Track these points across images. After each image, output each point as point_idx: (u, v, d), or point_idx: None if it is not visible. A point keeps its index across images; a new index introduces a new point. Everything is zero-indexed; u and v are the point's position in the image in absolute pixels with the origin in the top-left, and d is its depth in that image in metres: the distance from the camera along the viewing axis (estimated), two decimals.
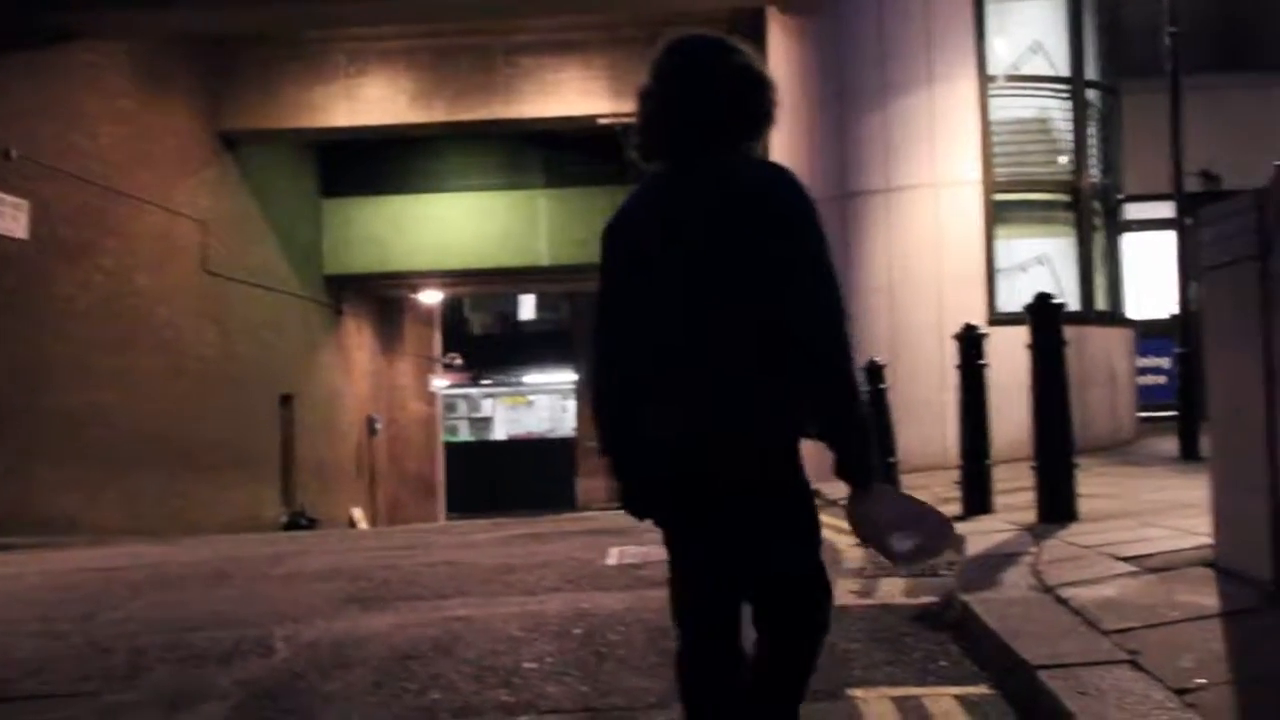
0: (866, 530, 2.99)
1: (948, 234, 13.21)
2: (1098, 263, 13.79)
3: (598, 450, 3.16)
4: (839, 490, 2.99)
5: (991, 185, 13.23)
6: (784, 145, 13.90)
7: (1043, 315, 7.12)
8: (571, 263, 24.13)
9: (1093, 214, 13.75)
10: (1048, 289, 7.50)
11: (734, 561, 2.99)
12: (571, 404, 40.40)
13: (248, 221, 21.17)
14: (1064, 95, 13.57)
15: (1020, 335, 7.24)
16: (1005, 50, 13.62)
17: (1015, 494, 7.93)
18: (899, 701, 4.35)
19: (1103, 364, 13.54)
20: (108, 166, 16.54)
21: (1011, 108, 13.52)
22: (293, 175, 23.79)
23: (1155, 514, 6.96)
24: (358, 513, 25.90)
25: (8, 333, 14.43)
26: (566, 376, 40.58)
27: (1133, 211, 15.08)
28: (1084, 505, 7.23)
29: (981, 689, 4.42)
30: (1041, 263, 13.46)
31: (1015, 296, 11.90)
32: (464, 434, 42.72)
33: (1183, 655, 4.00)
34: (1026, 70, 13.62)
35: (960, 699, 4.33)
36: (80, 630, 6.55)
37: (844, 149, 13.73)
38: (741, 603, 3.03)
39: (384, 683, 4.98)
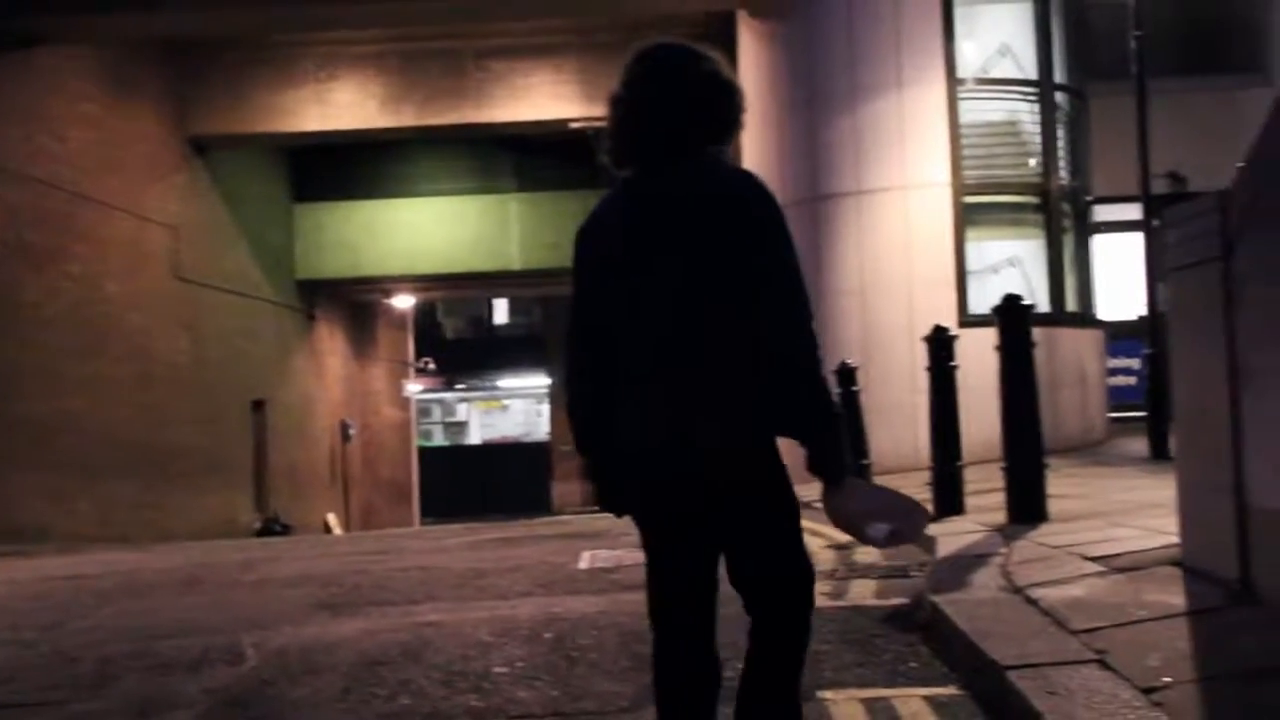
0: (842, 522, 3.08)
1: (918, 236, 13.26)
2: (1068, 264, 13.88)
3: (575, 450, 3.19)
4: (812, 492, 3.05)
5: (961, 188, 13.28)
6: (755, 149, 13.94)
7: (1011, 317, 7.15)
8: (543, 267, 24.13)
9: (1062, 216, 13.83)
10: (1018, 291, 7.54)
11: (709, 563, 3.04)
12: (545, 408, 40.35)
13: (219, 227, 21.06)
14: (1032, 98, 13.65)
15: (991, 337, 7.27)
16: (974, 54, 13.70)
17: (987, 495, 7.96)
18: (868, 703, 4.35)
19: (1073, 365, 13.61)
20: (76, 172, 16.42)
21: (980, 111, 13.59)
22: (264, 180, 23.69)
23: (1124, 514, 7.00)
24: (332, 518, 25.80)
25: None
26: (540, 380, 40.52)
27: (1101, 213, 15.19)
28: (1054, 505, 7.26)
29: (951, 690, 4.43)
30: (1012, 264, 13.54)
31: (986, 298, 11.92)
32: (439, 438, 42.60)
33: (1150, 654, 4.02)
34: (995, 73, 13.71)
35: (929, 700, 4.34)
36: (48, 639, 6.50)
37: (814, 152, 13.76)
38: (716, 604, 3.08)
39: (353, 689, 4.96)
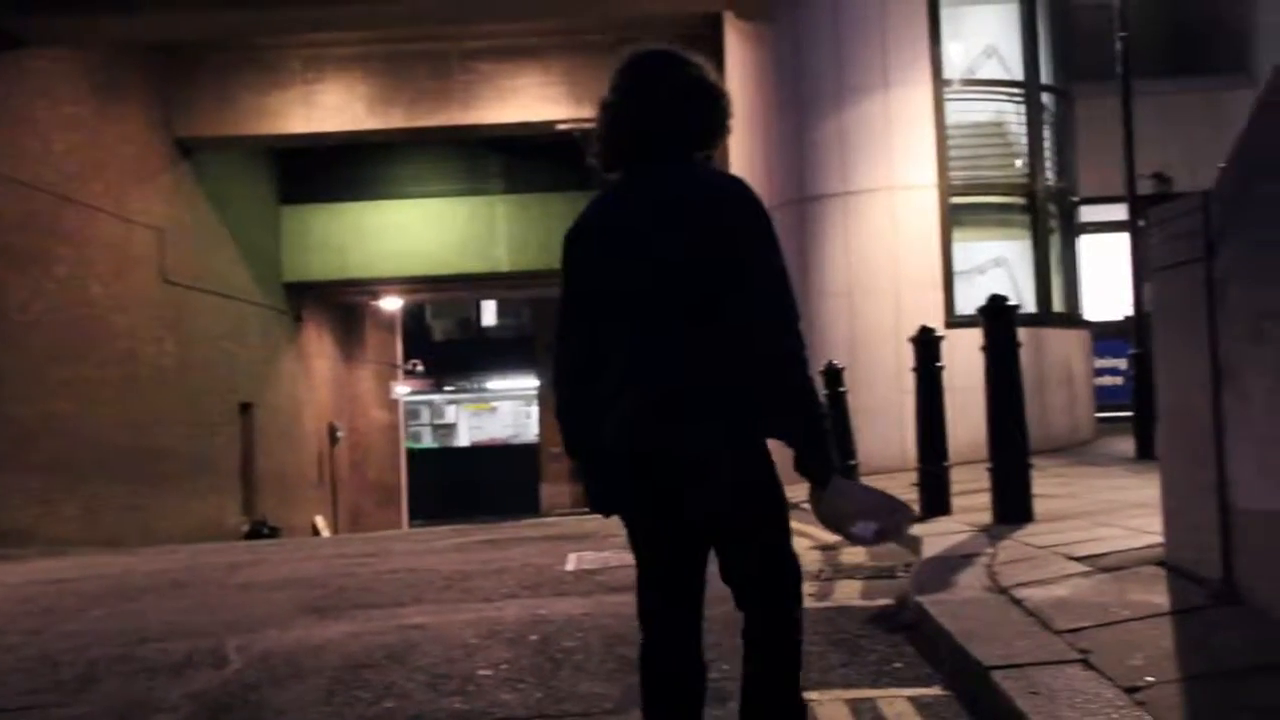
0: (829, 522, 3.12)
1: (905, 237, 13.27)
2: (1054, 265, 13.90)
3: (564, 452, 3.23)
4: (799, 492, 3.08)
5: (948, 189, 13.30)
6: (742, 150, 13.95)
7: (996, 317, 7.16)
8: (531, 268, 24.13)
9: (1049, 217, 13.85)
10: (1005, 291, 7.54)
11: (698, 564, 3.08)
12: (535, 409, 40.34)
13: (205, 229, 21.00)
14: (1018, 99, 13.68)
15: (978, 338, 7.27)
16: (960, 55, 13.72)
17: (973, 495, 7.96)
18: (853, 704, 4.35)
19: (1060, 365, 13.64)
20: (60, 174, 16.37)
21: (967, 112, 13.61)
22: (250, 182, 23.63)
23: (1109, 514, 7.01)
24: (320, 521, 25.75)
25: None
26: (529, 382, 40.52)
27: (1088, 214, 15.22)
28: (1040, 505, 7.26)
29: (935, 690, 4.43)
30: (999, 265, 13.56)
31: (973, 299, 11.92)
32: (428, 440, 42.61)
33: (1134, 654, 4.02)
34: (981, 74, 13.73)
35: (914, 700, 4.34)
36: (31, 643, 6.47)
37: (801, 153, 13.77)
38: (703, 605, 3.12)
39: (337, 692, 4.94)
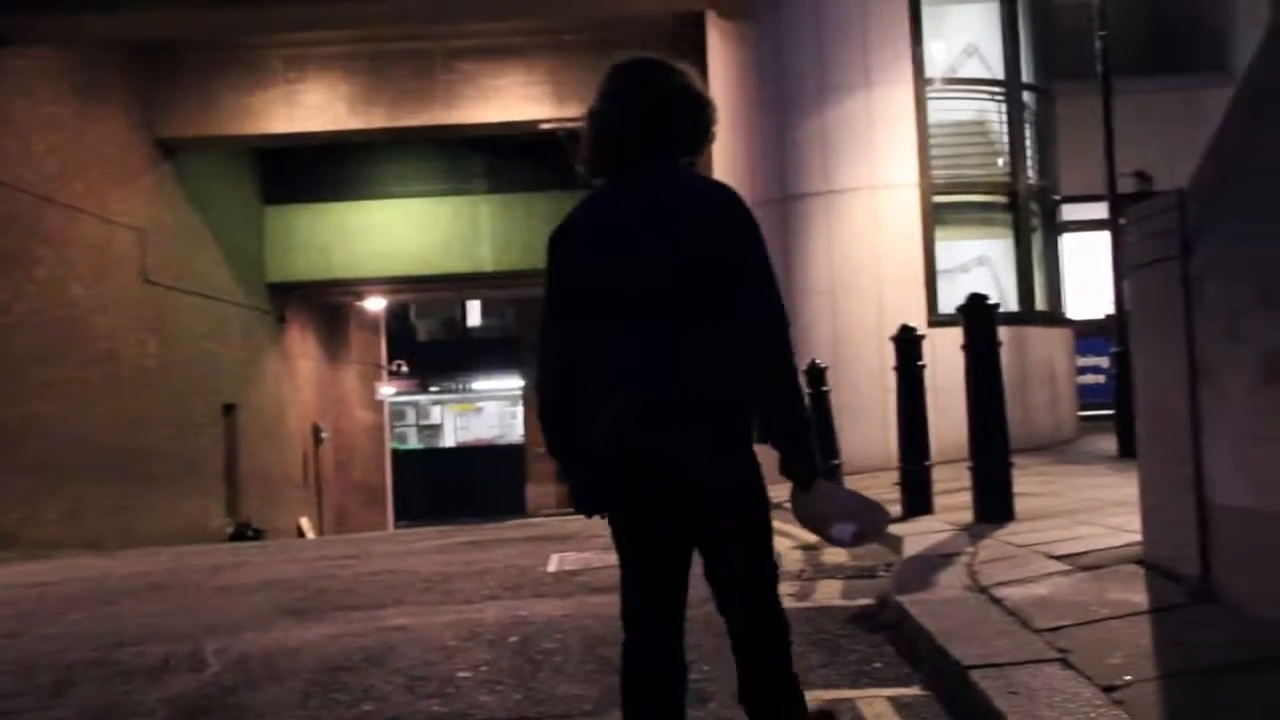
0: (810, 523, 3.18)
1: (887, 236, 13.28)
2: (1036, 263, 13.93)
3: (547, 453, 3.24)
4: (781, 492, 3.10)
5: (930, 187, 13.32)
6: (724, 149, 13.94)
7: (975, 316, 7.16)
8: (515, 268, 24.08)
9: (1030, 215, 13.88)
10: (988, 290, 7.55)
11: (681, 565, 3.09)
12: (520, 410, 40.28)
13: (188, 230, 20.91)
14: (999, 98, 13.71)
15: (961, 336, 7.27)
16: (941, 54, 13.74)
17: (956, 494, 7.97)
18: (832, 705, 4.33)
19: (1043, 364, 13.66)
20: (40, 175, 16.27)
21: (948, 110, 13.64)
22: (233, 182, 23.53)
23: (1090, 512, 7.02)
24: (305, 522, 25.66)
25: None
26: (514, 383, 40.47)
27: (1069, 212, 15.25)
28: (1022, 504, 7.28)
29: (915, 690, 4.43)
30: (981, 264, 13.58)
31: (956, 298, 11.94)
32: (413, 441, 42.50)
33: (1112, 652, 4.03)
34: (963, 73, 13.75)
35: (893, 700, 4.34)
36: (8, 647, 6.43)
37: (783, 152, 13.77)
38: (685, 606, 3.13)
39: (314, 695, 4.92)
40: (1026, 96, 13.94)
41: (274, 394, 24.99)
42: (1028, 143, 13.89)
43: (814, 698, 4.43)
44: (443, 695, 4.80)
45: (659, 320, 2.97)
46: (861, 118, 13.38)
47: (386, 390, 33.07)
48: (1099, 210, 13.55)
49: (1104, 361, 15.99)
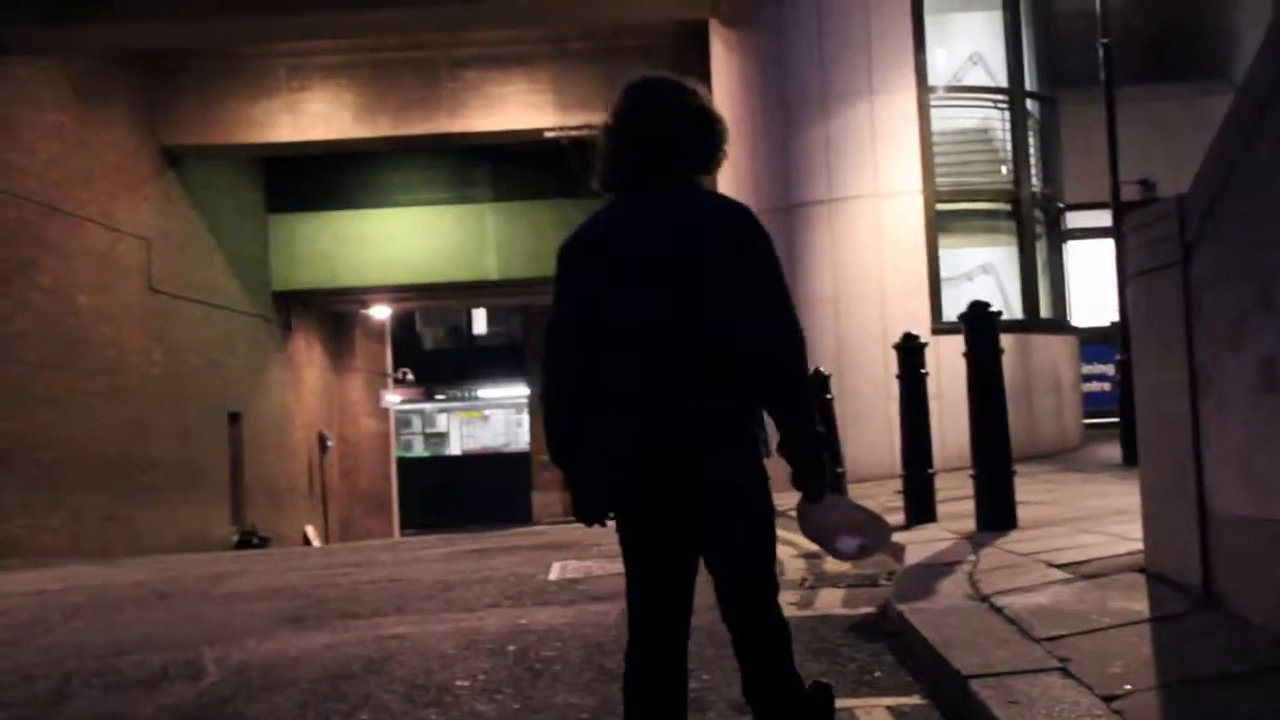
0: (815, 534, 3.24)
1: (891, 244, 13.25)
2: (1040, 271, 13.89)
3: (551, 461, 3.30)
4: (786, 501, 3.15)
5: (933, 195, 13.29)
6: (728, 158, 13.89)
7: (977, 324, 7.15)
8: (520, 276, 24.05)
9: (1034, 223, 13.84)
10: (992, 298, 7.54)
11: (688, 571, 3.13)
12: (526, 418, 40.25)
13: (193, 238, 20.93)
14: (1003, 105, 13.68)
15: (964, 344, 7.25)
16: (945, 62, 13.72)
17: (959, 502, 7.95)
18: None
19: (1048, 372, 13.63)
20: (45, 184, 16.29)
21: (952, 118, 13.62)
22: (238, 191, 23.55)
23: (1093, 520, 7.00)
24: (311, 530, 25.65)
25: None
26: (520, 391, 40.43)
27: (1074, 220, 15.21)
28: (1024, 512, 7.25)
29: (914, 699, 4.41)
30: (986, 272, 13.55)
31: (960, 306, 11.92)
32: (419, 449, 42.46)
33: (1112, 661, 4.00)
34: (966, 81, 13.73)
35: (893, 709, 4.32)
36: (8, 656, 6.42)
37: (787, 161, 13.75)
38: (690, 615, 3.18)
39: (312, 704, 4.90)
40: (1030, 104, 13.92)
41: (279, 402, 25.00)
42: (1031, 151, 13.86)
43: None
44: (440, 704, 4.78)
45: (670, 335, 3.03)
46: (865, 126, 13.36)
47: (392, 398, 33.05)
48: (1103, 218, 13.52)
49: (1110, 369, 15.96)
